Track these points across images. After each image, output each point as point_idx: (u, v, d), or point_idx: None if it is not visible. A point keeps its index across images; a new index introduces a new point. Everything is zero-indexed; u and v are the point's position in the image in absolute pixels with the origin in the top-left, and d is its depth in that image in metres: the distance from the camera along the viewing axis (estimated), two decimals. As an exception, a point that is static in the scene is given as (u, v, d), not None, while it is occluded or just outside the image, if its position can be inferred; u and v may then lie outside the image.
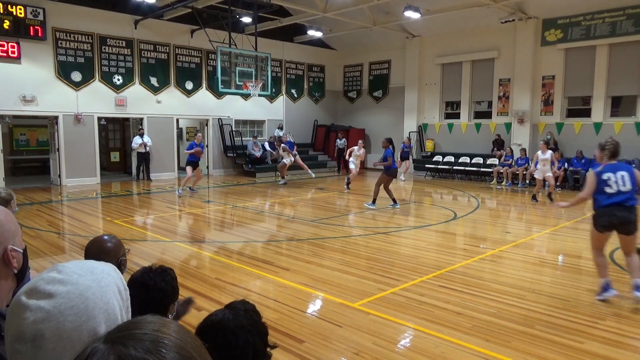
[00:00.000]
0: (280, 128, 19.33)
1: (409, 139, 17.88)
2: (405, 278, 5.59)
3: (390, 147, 10.42)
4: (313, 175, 15.58)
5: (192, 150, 12.29)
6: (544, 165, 11.43)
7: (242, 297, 4.89)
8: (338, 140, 19.08)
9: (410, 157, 17.64)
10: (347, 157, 13.90)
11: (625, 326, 4.25)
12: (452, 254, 6.84)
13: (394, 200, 10.52)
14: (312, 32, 17.79)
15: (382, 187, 10.44)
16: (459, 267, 6.06)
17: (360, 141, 13.87)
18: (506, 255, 6.73)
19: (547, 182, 11.94)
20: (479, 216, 9.96)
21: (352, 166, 13.70)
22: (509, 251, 6.95)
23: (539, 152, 11.55)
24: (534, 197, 11.62)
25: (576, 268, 6.25)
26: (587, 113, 14.92)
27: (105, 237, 2.36)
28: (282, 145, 15.09)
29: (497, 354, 3.68)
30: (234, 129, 17.92)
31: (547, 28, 15.26)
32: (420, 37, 18.49)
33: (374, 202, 10.50)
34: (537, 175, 11.63)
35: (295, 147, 15.64)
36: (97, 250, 2.26)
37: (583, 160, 13.89)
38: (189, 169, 12.40)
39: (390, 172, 10.42)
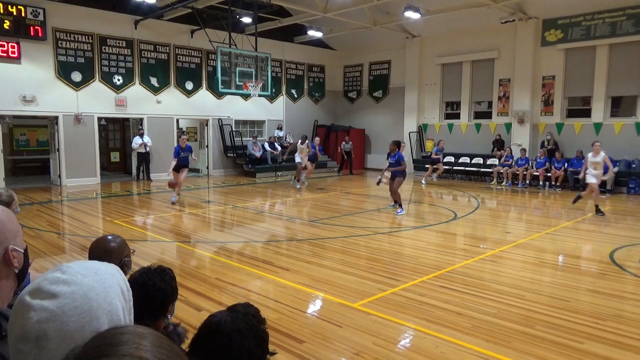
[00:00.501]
0: (280, 128, 19.36)
1: (443, 141, 16.28)
2: (405, 278, 5.59)
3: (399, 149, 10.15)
4: (306, 183, 14.70)
5: (174, 162, 11.04)
6: (595, 169, 9.96)
7: (242, 297, 4.91)
8: (344, 143, 18.63)
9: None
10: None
11: (625, 326, 4.25)
12: (452, 254, 6.84)
13: (396, 202, 10.42)
14: (312, 33, 17.81)
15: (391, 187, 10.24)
16: (459, 267, 6.06)
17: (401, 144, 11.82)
18: (506, 256, 6.73)
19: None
20: (479, 216, 9.96)
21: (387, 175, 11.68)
22: (509, 251, 6.95)
23: (590, 155, 10.14)
24: (598, 211, 9.92)
25: (576, 268, 6.25)
26: (587, 113, 14.92)
27: (110, 237, 2.37)
28: (310, 149, 14.45)
29: (497, 354, 3.68)
30: (234, 129, 17.92)
31: (547, 28, 15.27)
32: (420, 37, 18.49)
33: (401, 206, 10.01)
34: (591, 180, 9.98)
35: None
36: (101, 250, 2.27)
37: (583, 161, 13.87)
38: (174, 174, 11.19)
39: (404, 174, 10.19)
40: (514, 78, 16.05)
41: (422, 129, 18.81)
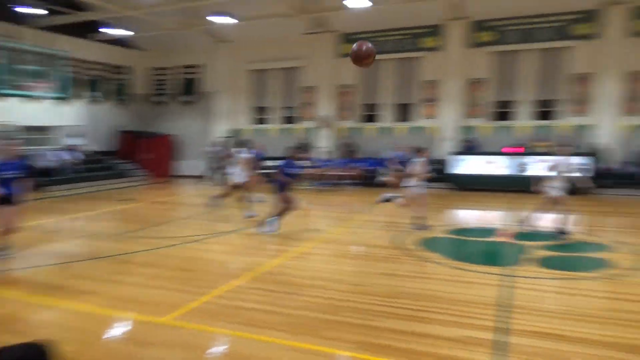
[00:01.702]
0: (75, 135, 17.22)
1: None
2: (218, 284, 5.52)
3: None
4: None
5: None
6: None
7: (30, 335, 4.20)
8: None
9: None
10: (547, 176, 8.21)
11: (412, 301, 4.91)
12: (262, 255, 7.02)
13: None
14: (114, 31, 16.41)
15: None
16: (269, 268, 6.24)
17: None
18: (312, 251, 7.19)
19: None
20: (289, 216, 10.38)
21: (554, 192, 8.05)
22: (316, 247, 7.45)
23: None
24: None
25: (371, 255, 6.98)
26: (377, 119, 17.02)
27: None
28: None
29: (305, 344, 3.89)
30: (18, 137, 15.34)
31: (342, 41, 16.87)
32: (231, 42, 18.59)
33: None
34: None
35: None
36: None
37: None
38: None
39: None
40: (318, 86, 17.33)
41: (232, 134, 18.88)
